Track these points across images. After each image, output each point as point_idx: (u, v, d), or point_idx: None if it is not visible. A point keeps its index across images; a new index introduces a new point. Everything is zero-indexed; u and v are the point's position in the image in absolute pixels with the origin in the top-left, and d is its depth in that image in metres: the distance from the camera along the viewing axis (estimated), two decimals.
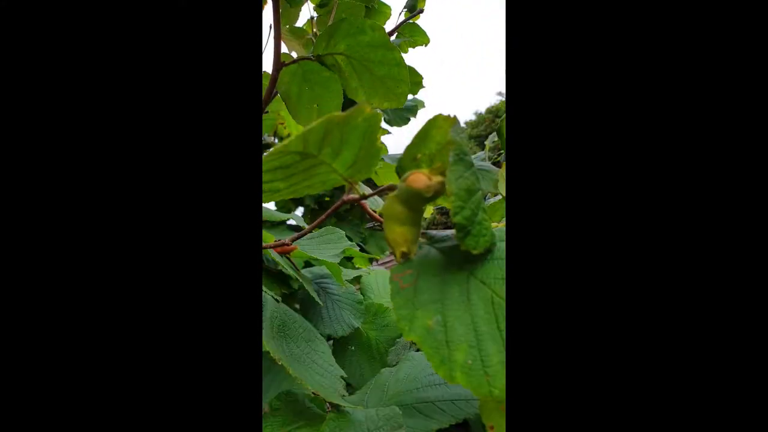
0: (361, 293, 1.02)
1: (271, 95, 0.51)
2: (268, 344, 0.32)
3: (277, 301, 0.42)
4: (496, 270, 0.28)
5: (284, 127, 0.77)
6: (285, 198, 0.29)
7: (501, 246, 0.29)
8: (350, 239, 0.67)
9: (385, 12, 1.04)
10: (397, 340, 0.95)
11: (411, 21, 1.06)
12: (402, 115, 1.11)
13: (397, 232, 0.29)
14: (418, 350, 0.69)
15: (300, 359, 0.34)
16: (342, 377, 0.39)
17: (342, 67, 0.51)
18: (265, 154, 0.23)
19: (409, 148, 0.30)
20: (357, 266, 1.27)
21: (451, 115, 0.28)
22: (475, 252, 0.26)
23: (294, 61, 0.49)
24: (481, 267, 0.28)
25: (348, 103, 0.39)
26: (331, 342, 0.88)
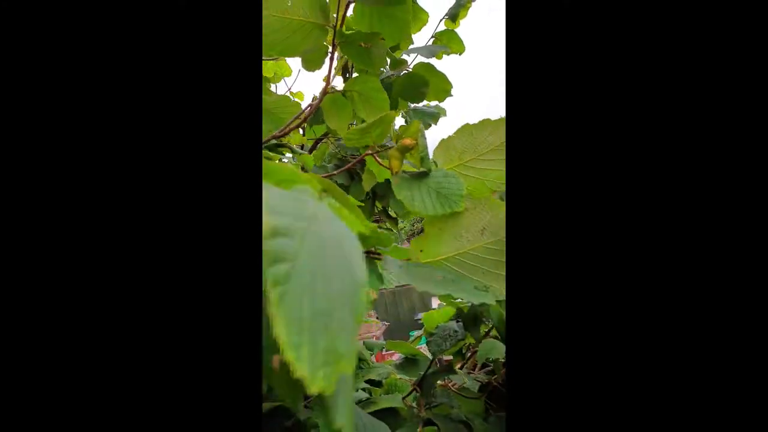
0: None
1: (314, 109, 0.94)
2: None
3: None
4: (431, 182, 0.72)
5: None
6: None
7: (434, 173, 0.73)
8: None
9: (422, 18, 1.17)
10: None
11: (447, 30, 1.22)
12: (425, 121, 1.22)
13: (395, 164, 0.72)
14: None
15: None
16: None
17: (355, 99, 0.95)
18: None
19: (401, 130, 0.74)
20: None
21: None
22: (422, 169, 0.70)
23: (332, 92, 0.93)
24: (426, 179, 0.72)
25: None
26: None
